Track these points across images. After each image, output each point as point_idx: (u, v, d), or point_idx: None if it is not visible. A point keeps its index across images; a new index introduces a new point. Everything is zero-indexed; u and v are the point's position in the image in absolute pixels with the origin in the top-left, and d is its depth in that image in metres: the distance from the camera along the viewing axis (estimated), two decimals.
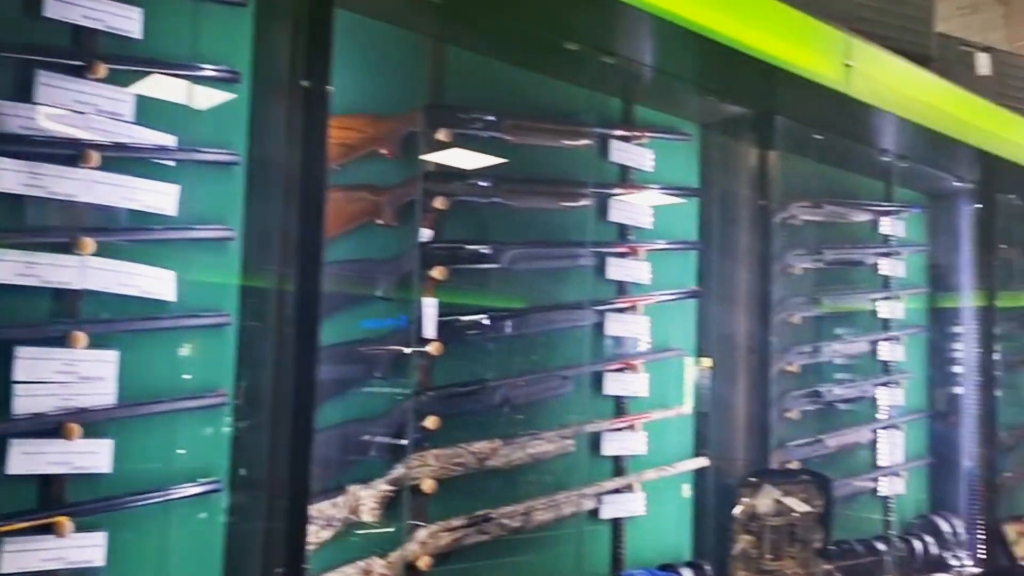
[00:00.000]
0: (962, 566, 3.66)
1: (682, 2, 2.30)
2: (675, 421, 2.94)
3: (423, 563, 2.19)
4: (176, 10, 1.95)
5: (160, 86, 1.93)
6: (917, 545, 3.58)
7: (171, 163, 1.93)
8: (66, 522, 1.72)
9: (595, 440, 2.71)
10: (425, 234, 2.27)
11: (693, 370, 3.01)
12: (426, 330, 2.23)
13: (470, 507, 2.35)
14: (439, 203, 2.29)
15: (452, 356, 2.32)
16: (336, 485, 2.11)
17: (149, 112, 1.89)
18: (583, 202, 2.67)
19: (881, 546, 3.40)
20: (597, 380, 2.73)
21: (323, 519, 2.03)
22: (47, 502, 1.73)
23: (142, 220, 1.87)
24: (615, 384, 2.75)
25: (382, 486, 2.13)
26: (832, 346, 3.54)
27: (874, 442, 3.64)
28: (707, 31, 2.39)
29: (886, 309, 3.74)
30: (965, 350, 3.98)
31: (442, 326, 2.27)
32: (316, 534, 2.02)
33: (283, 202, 1.98)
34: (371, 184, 2.22)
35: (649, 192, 2.87)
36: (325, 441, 2.08)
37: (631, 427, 2.78)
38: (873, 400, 3.68)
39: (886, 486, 3.64)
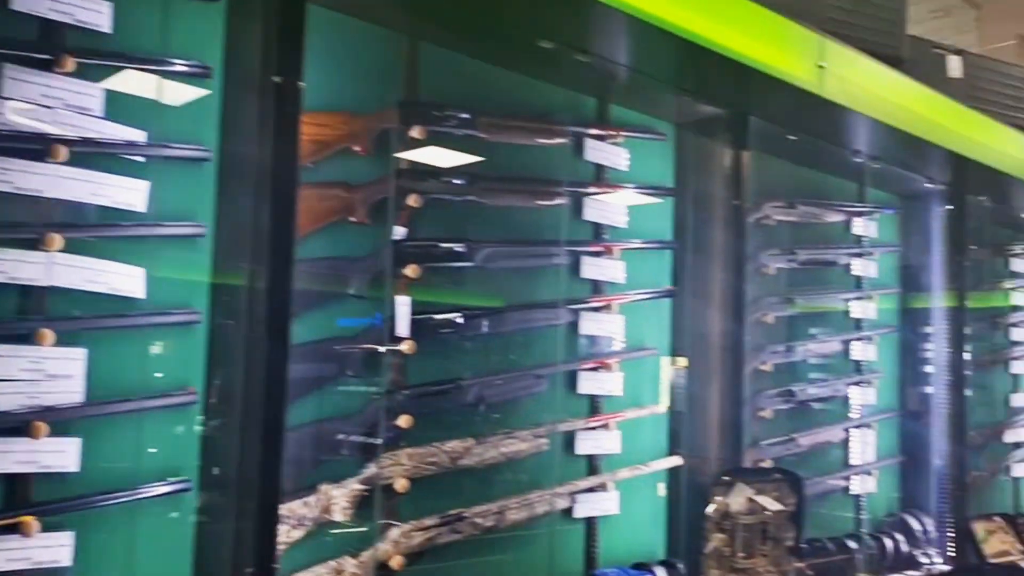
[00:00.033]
0: (932, 564, 3.69)
1: (657, 2, 2.31)
2: (649, 420, 2.95)
3: (395, 563, 2.18)
4: (146, 4, 1.93)
5: (130, 81, 1.91)
6: (888, 543, 3.61)
7: (141, 159, 1.90)
8: (33, 522, 1.70)
9: (569, 439, 2.70)
10: (398, 232, 2.26)
11: (668, 369, 3.01)
12: (399, 328, 2.22)
13: (443, 506, 2.34)
14: (413, 201, 2.28)
15: (425, 355, 2.31)
16: (308, 484, 2.09)
17: (118, 107, 1.86)
18: (558, 201, 2.67)
19: (852, 544, 3.42)
20: (571, 379, 2.73)
21: (294, 518, 2.02)
22: (13, 501, 1.71)
23: (111, 216, 1.85)
24: (589, 383, 2.75)
25: (354, 485, 2.12)
26: (805, 346, 3.56)
27: (846, 441, 3.67)
28: (682, 31, 2.39)
29: (858, 309, 3.77)
30: (936, 350, 4.01)
31: (415, 324, 2.26)
32: (287, 534, 2.00)
33: (254, 199, 1.96)
34: (344, 181, 2.20)
35: (624, 191, 2.87)
36: (297, 440, 2.06)
37: (605, 426, 2.78)
38: (845, 399, 3.70)
39: (858, 484, 3.67)
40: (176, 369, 1.95)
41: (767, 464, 3.24)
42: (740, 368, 3.05)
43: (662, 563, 2.84)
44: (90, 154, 1.82)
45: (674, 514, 2.99)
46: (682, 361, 3.04)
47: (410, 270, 2.26)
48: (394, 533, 2.20)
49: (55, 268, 1.76)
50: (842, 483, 3.65)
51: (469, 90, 2.49)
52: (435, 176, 2.38)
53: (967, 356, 4.02)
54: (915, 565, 3.66)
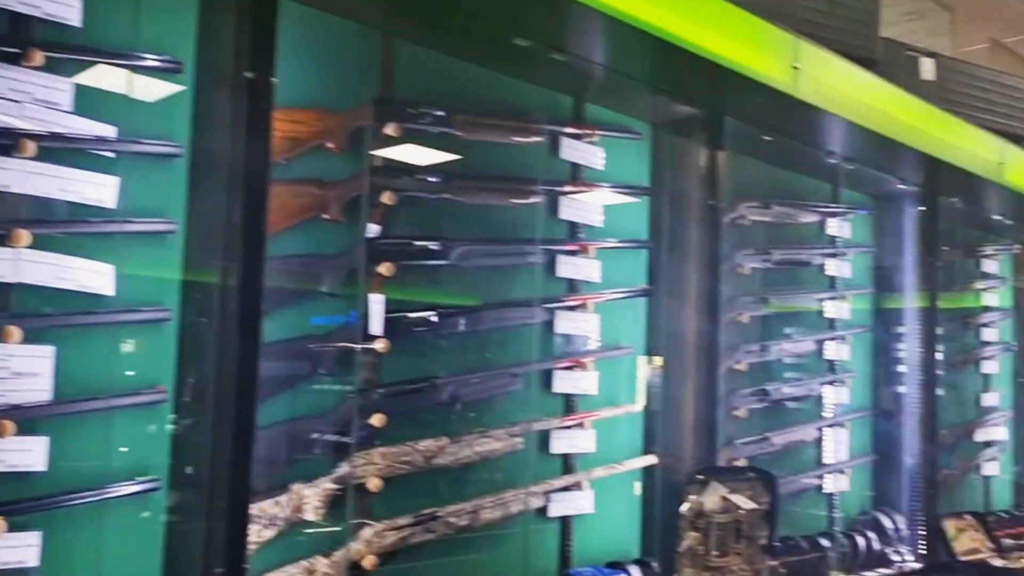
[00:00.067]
0: (903, 561, 3.73)
1: (633, 1, 2.31)
2: (625, 419, 2.95)
3: (368, 562, 2.17)
4: None
5: (100, 75, 1.88)
6: (860, 541, 3.64)
7: (111, 154, 1.88)
8: None
9: (544, 438, 2.70)
10: (372, 230, 2.24)
11: (646, 368, 3.02)
12: (373, 327, 2.20)
13: (417, 506, 2.33)
14: (387, 198, 2.27)
15: (399, 353, 2.30)
16: (280, 483, 2.08)
17: (88, 102, 1.84)
18: (533, 199, 2.67)
19: (825, 542, 3.44)
20: (547, 378, 2.73)
21: (266, 518, 2.00)
22: None
23: (80, 212, 1.83)
24: (564, 382, 2.75)
25: (327, 484, 2.11)
26: (780, 345, 3.58)
27: (820, 440, 3.69)
28: (657, 30, 2.40)
29: (832, 309, 3.79)
30: (908, 350, 4.05)
31: (389, 323, 2.25)
32: (258, 533, 1.99)
33: (226, 195, 1.94)
34: (318, 178, 2.19)
35: (600, 190, 2.87)
36: (268, 439, 2.05)
37: (580, 425, 2.78)
38: (819, 398, 3.73)
39: (831, 483, 3.70)
40: (146, 367, 1.93)
41: (741, 463, 3.26)
42: (715, 367, 3.06)
43: (636, 562, 2.84)
44: (59, 149, 1.80)
45: (649, 513, 3.00)
46: (658, 360, 3.05)
47: (384, 268, 2.24)
48: (367, 533, 2.18)
49: (22, 264, 1.74)
50: (815, 482, 3.67)
51: (445, 88, 2.48)
52: (410, 174, 2.36)
53: (939, 356, 4.05)
54: (887, 563, 3.69)
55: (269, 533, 2.02)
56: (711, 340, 3.05)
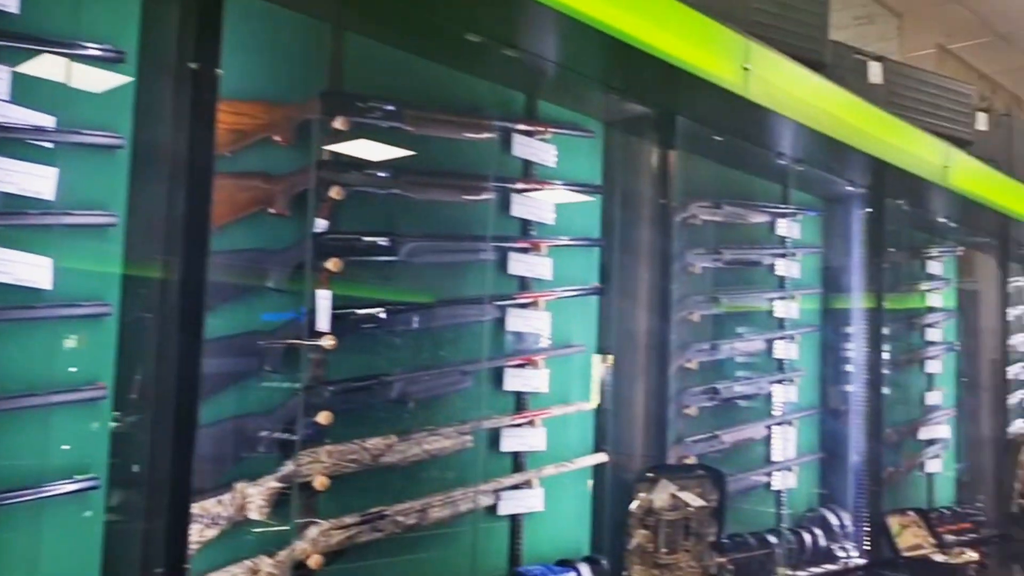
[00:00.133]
0: (848, 557, 3.78)
1: None
2: (576, 417, 2.96)
3: (314, 562, 2.14)
4: None
5: (39, 64, 1.83)
6: (807, 538, 3.68)
7: (49, 145, 1.83)
8: None
9: (494, 436, 2.69)
10: (320, 224, 2.21)
11: (599, 367, 3.02)
12: (319, 323, 2.18)
13: (365, 504, 2.30)
14: (335, 193, 2.24)
15: (347, 350, 2.27)
16: (223, 482, 2.04)
17: (26, 91, 1.79)
18: (484, 196, 2.66)
19: (773, 539, 3.48)
20: (497, 376, 2.72)
21: (208, 517, 1.97)
22: None
23: (17, 204, 1.78)
24: (515, 380, 2.74)
25: (271, 483, 2.08)
26: (730, 344, 3.61)
27: (768, 438, 3.73)
28: (610, 29, 2.40)
29: (782, 309, 3.84)
30: (856, 349, 4.11)
31: (336, 319, 2.22)
32: (200, 532, 1.95)
33: (169, 188, 1.91)
34: (264, 172, 2.15)
35: (552, 188, 2.87)
36: (212, 437, 2.01)
37: (531, 423, 2.77)
38: (768, 397, 3.77)
39: (779, 480, 3.74)
40: (86, 363, 1.89)
41: (691, 461, 3.28)
42: (666, 366, 3.08)
43: (586, 560, 2.84)
44: None
45: (599, 511, 3.00)
46: (609, 358, 3.06)
47: (332, 264, 2.21)
48: (312, 532, 2.15)
49: None
50: (764, 479, 3.71)
51: (395, 82, 2.46)
52: (359, 168, 2.33)
53: (885, 356, 4.12)
54: (833, 559, 3.74)
55: (212, 532, 1.98)
56: (662, 339, 3.07)
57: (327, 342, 2.19)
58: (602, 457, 2.98)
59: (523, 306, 2.77)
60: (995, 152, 4.53)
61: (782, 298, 3.84)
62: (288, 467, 2.12)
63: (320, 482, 2.16)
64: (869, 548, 3.88)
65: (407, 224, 2.45)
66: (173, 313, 1.87)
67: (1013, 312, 5.36)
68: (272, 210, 2.14)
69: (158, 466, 1.88)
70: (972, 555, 3.82)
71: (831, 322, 4.16)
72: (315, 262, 2.19)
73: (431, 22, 2.33)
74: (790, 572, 3.49)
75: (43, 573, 1.81)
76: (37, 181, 1.80)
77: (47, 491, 1.80)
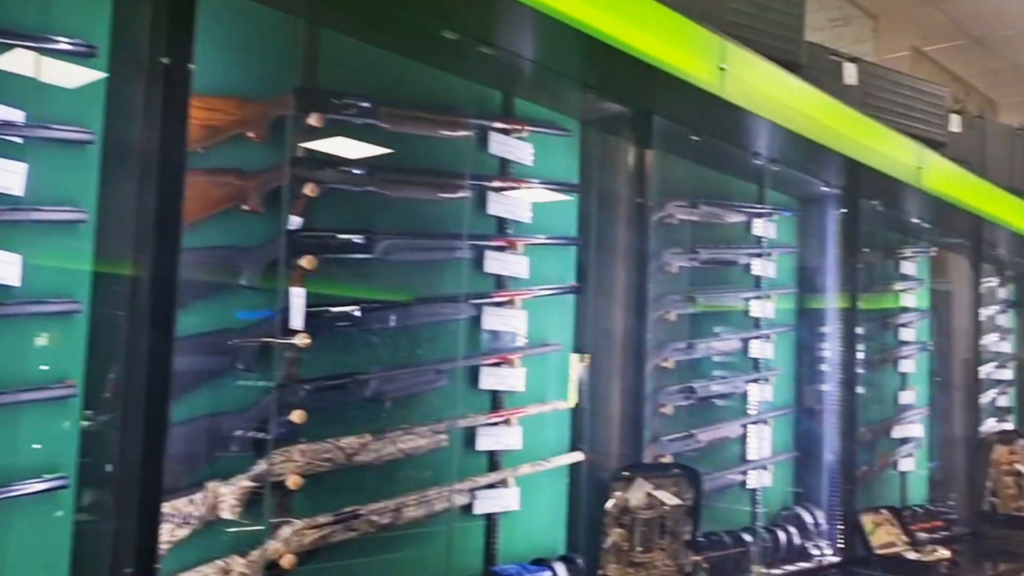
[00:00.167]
0: (823, 555, 3.81)
1: None
2: (552, 416, 2.95)
3: (286, 561, 2.12)
4: None
5: (9, 58, 1.81)
6: (781, 536, 3.70)
7: (19, 140, 1.81)
8: None
9: (470, 435, 2.68)
10: (294, 222, 2.20)
11: (577, 366, 3.02)
12: (293, 321, 2.16)
13: (339, 504, 2.29)
14: (309, 190, 2.22)
15: (321, 348, 2.25)
16: (195, 481, 2.02)
17: None
18: (461, 194, 2.65)
19: (748, 537, 3.50)
20: (473, 374, 2.71)
21: (179, 517, 1.95)
22: None
23: None
24: (491, 378, 2.74)
25: (244, 482, 2.06)
26: (706, 343, 3.62)
27: (744, 436, 3.75)
28: (587, 28, 2.39)
29: (757, 308, 3.85)
30: (830, 349, 4.13)
31: (311, 317, 2.20)
32: (171, 532, 1.93)
33: (140, 184, 1.88)
34: (237, 168, 2.14)
35: (528, 186, 2.86)
36: (183, 435, 1.99)
37: (507, 422, 2.77)
38: (744, 396, 3.78)
39: (754, 479, 3.76)
40: (55, 361, 1.86)
41: (667, 459, 3.28)
42: (642, 365, 3.08)
43: (562, 558, 2.84)
44: None
45: (575, 510, 3.00)
46: (586, 357, 3.06)
47: (306, 261, 2.20)
48: (285, 531, 2.14)
49: None
50: (739, 478, 3.72)
51: (371, 79, 2.44)
52: (333, 165, 2.32)
53: (859, 355, 4.15)
54: (807, 557, 3.76)
55: (183, 532, 1.96)
56: (639, 338, 3.07)
57: (301, 340, 2.18)
58: (578, 456, 2.98)
59: (499, 304, 2.76)
60: (968, 154, 4.58)
61: (758, 298, 3.85)
62: (261, 466, 2.10)
63: (293, 481, 2.15)
64: (843, 546, 3.91)
65: (382, 222, 2.44)
66: (144, 311, 1.85)
67: (985, 312, 5.42)
68: (245, 207, 2.13)
69: (129, 465, 1.86)
70: (944, 553, 3.86)
71: (806, 322, 4.19)
72: (289, 259, 2.18)
73: (407, 19, 2.32)
74: (765, 570, 3.50)
75: (11, 572, 1.79)
76: (6, 177, 1.78)
77: (15, 491, 1.77)
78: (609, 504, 2.79)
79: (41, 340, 1.87)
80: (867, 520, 3.91)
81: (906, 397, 4.83)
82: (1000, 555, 4.35)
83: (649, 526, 2.83)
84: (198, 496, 2.00)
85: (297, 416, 2.16)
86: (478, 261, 2.72)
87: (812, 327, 4.18)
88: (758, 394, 3.81)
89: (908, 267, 4.91)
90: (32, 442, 1.83)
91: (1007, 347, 5.87)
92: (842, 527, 3.93)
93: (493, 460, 2.75)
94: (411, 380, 2.46)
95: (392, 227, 2.46)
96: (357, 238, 2.33)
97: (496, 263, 2.75)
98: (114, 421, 1.88)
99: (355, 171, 2.36)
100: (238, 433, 2.11)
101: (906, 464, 4.79)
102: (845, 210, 4.14)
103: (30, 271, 1.81)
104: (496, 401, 2.77)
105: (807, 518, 3.84)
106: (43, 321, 1.86)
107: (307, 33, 2.32)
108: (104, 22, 1.94)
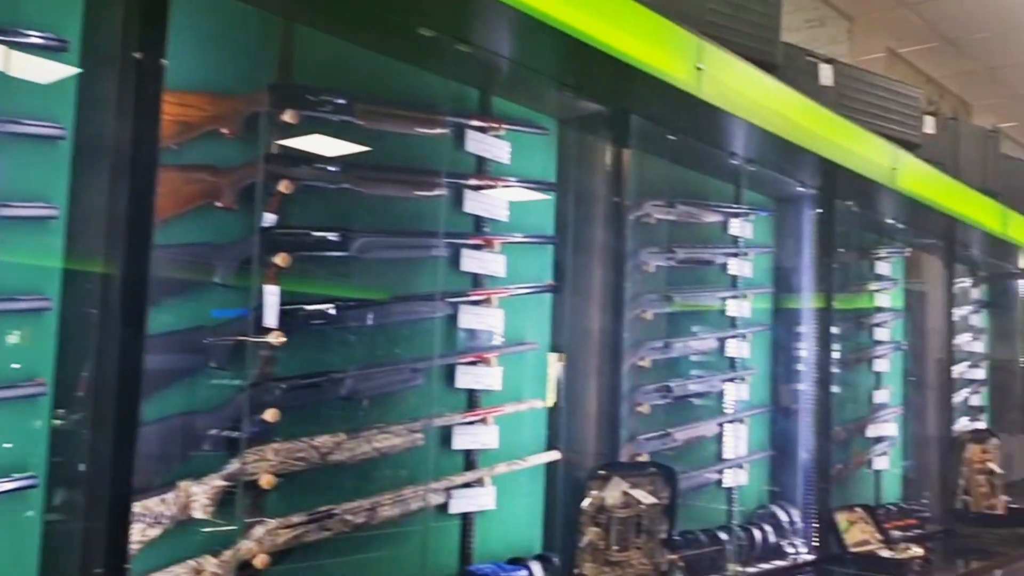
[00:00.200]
0: (798, 553, 3.83)
1: None
2: (528, 415, 2.95)
3: (259, 561, 2.11)
4: None
5: None
6: (757, 534, 3.72)
7: None
8: None
9: (446, 434, 2.68)
10: (268, 219, 2.18)
11: (556, 365, 3.02)
12: (267, 319, 2.14)
13: (314, 503, 2.27)
14: (284, 187, 2.20)
15: (295, 347, 2.24)
16: (166, 480, 2.00)
17: None
18: (437, 192, 2.64)
19: (723, 536, 3.51)
20: (449, 373, 2.70)
21: (151, 516, 1.93)
22: None
23: None
24: (467, 377, 2.73)
25: (216, 481, 2.04)
26: (683, 342, 3.63)
27: (720, 435, 3.76)
28: (563, 26, 2.39)
29: (734, 308, 3.87)
30: (806, 348, 4.16)
31: (285, 315, 2.19)
32: (143, 532, 1.91)
33: (112, 180, 1.86)
34: (211, 165, 2.12)
35: (506, 185, 2.86)
36: (155, 434, 1.97)
37: (483, 421, 2.76)
38: (720, 395, 3.80)
39: (730, 478, 3.77)
40: (25, 359, 1.84)
41: (643, 458, 3.29)
42: (619, 364, 3.08)
43: (538, 558, 2.84)
44: None
45: (551, 509, 3.00)
46: (562, 356, 3.05)
47: (280, 259, 2.18)
48: (258, 531, 2.12)
49: None
50: (715, 476, 3.73)
51: (347, 76, 2.43)
52: (308, 162, 2.30)
53: (834, 355, 4.18)
54: (782, 555, 3.78)
55: (154, 532, 1.94)
56: (615, 337, 3.07)
57: (275, 338, 2.16)
58: (554, 455, 2.98)
59: (476, 303, 2.76)
60: (942, 155, 4.62)
61: (734, 297, 3.87)
62: (234, 465, 2.08)
63: (267, 480, 2.13)
64: (817, 544, 3.93)
65: (358, 219, 2.43)
66: (115, 308, 1.83)
67: (958, 312, 5.48)
68: (219, 204, 2.11)
69: (99, 464, 1.84)
70: (917, 550, 3.89)
71: (782, 321, 4.21)
72: (263, 257, 2.16)
73: (383, 15, 2.30)
74: (740, 568, 3.52)
75: None
76: None
77: None
78: (585, 503, 2.79)
79: (10, 338, 1.84)
80: (842, 518, 3.94)
81: (880, 396, 4.87)
82: (972, 553, 4.40)
83: (625, 525, 2.83)
84: (170, 496, 1.98)
85: (271, 415, 2.14)
86: (455, 259, 2.71)
87: (788, 326, 4.20)
88: (734, 393, 3.83)
89: (883, 267, 4.95)
90: (1, 441, 1.80)
91: (980, 347, 5.94)
92: (817, 525, 3.95)
93: (469, 459, 2.75)
94: (387, 379, 2.45)
95: (368, 225, 2.44)
96: (332, 236, 2.32)
97: (473, 261, 2.74)
98: (85, 420, 1.85)
99: (330, 168, 2.35)
100: (211, 432, 2.08)
101: (880, 463, 4.82)
102: (821, 210, 4.16)
103: None
104: (472, 400, 2.76)
105: (782, 516, 3.86)
106: (12, 319, 1.83)
107: (282, 29, 2.30)
108: (76, 16, 1.91)
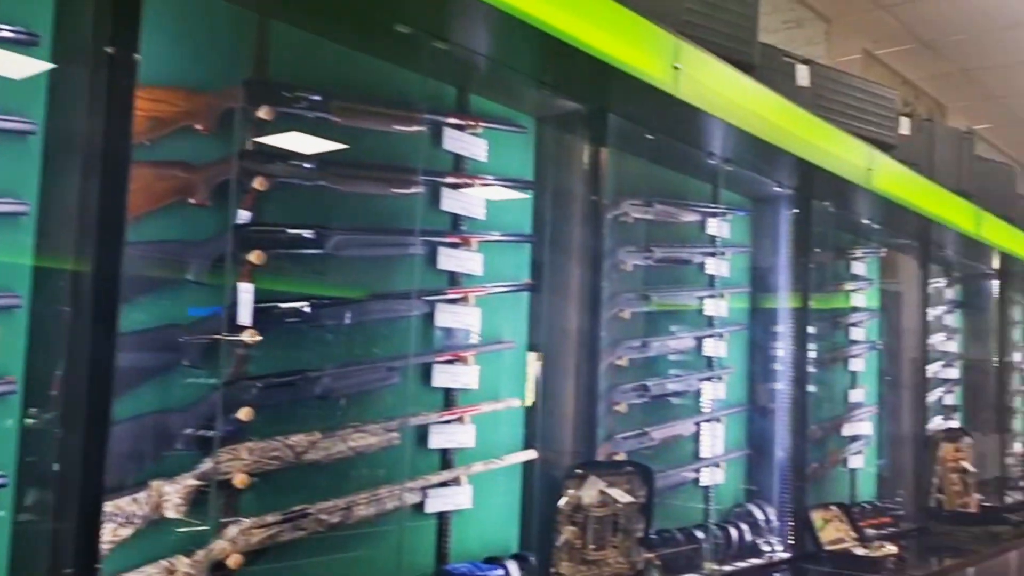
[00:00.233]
0: (773, 551, 3.84)
1: None
2: (505, 414, 2.94)
3: (233, 561, 2.09)
4: None
5: None
6: (733, 532, 3.73)
7: None
8: None
9: (422, 433, 2.67)
10: (243, 216, 2.16)
11: (534, 364, 3.02)
12: (241, 317, 2.12)
13: (289, 503, 2.26)
14: (258, 184, 2.19)
15: (270, 345, 2.22)
16: (138, 480, 1.98)
17: None
18: (414, 189, 2.63)
19: (700, 534, 3.52)
20: (426, 372, 2.69)
21: (123, 516, 1.91)
22: None
23: None
24: (444, 376, 2.72)
25: (189, 481, 2.02)
26: (660, 341, 3.64)
27: (697, 434, 3.77)
28: (541, 24, 2.39)
29: (711, 307, 3.88)
30: (783, 348, 4.18)
31: (259, 313, 2.17)
32: (114, 532, 1.89)
33: (83, 176, 1.84)
34: (184, 161, 2.10)
35: (483, 183, 2.85)
36: (127, 433, 1.95)
37: (460, 420, 2.75)
38: (697, 394, 3.81)
39: (707, 476, 3.78)
40: None
41: (620, 457, 3.29)
42: (596, 363, 3.08)
43: (514, 557, 2.84)
44: None
45: (528, 508, 3.00)
46: (540, 355, 3.05)
47: (254, 256, 2.16)
48: (232, 531, 2.10)
49: None
50: (692, 475, 3.75)
51: (323, 73, 2.41)
52: (283, 159, 2.28)
53: (810, 354, 4.20)
54: (758, 553, 3.80)
55: (126, 532, 1.92)
56: (593, 336, 3.07)
57: (249, 337, 2.15)
58: (531, 454, 2.98)
59: (453, 301, 2.75)
60: (917, 156, 4.65)
61: (712, 296, 3.88)
62: (207, 464, 2.07)
63: (240, 480, 2.11)
64: (793, 542, 3.96)
65: (334, 217, 2.41)
66: (86, 306, 1.80)
67: (933, 312, 5.52)
68: (193, 200, 2.09)
69: (70, 463, 1.81)
70: (891, 548, 3.92)
71: (759, 320, 4.22)
72: (237, 255, 2.14)
73: (359, 12, 2.29)
74: (717, 567, 3.53)
75: None
76: None
77: None
78: (562, 502, 2.79)
79: None
80: (817, 516, 3.96)
81: (856, 395, 4.90)
82: (946, 550, 4.43)
83: (602, 524, 2.83)
84: (142, 495, 1.96)
85: (245, 414, 2.13)
86: (432, 257, 2.70)
87: (765, 326, 4.22)
88: (711, 392, 3.84)
89: (858, 267, 4.99)
90: None
91: (954, 347, 6.00)
92: (792, 524, 3.97)
93: (446, 458, 2.74)
94: (363, 377, 2.43)
95: (344, 222, 2.43)
96: (307, 233, 2.30)
97: (450, 260, 2.74)
98: (57, 419, 1.83)
99: (306, 165, 2.33)
100: (184, 431, 2.06)
101: (855, 461, 4.86)
102: (797, 210, 4.18)
103: None
104: (449, 399, 2.76)
105: (759, 515, 3.88)
106: None
107: (258, 25, 2.28)
108: (47, 10, 1.89)
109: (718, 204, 3.86)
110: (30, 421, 1.84)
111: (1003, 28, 7.04)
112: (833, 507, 4.08)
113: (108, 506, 1.85)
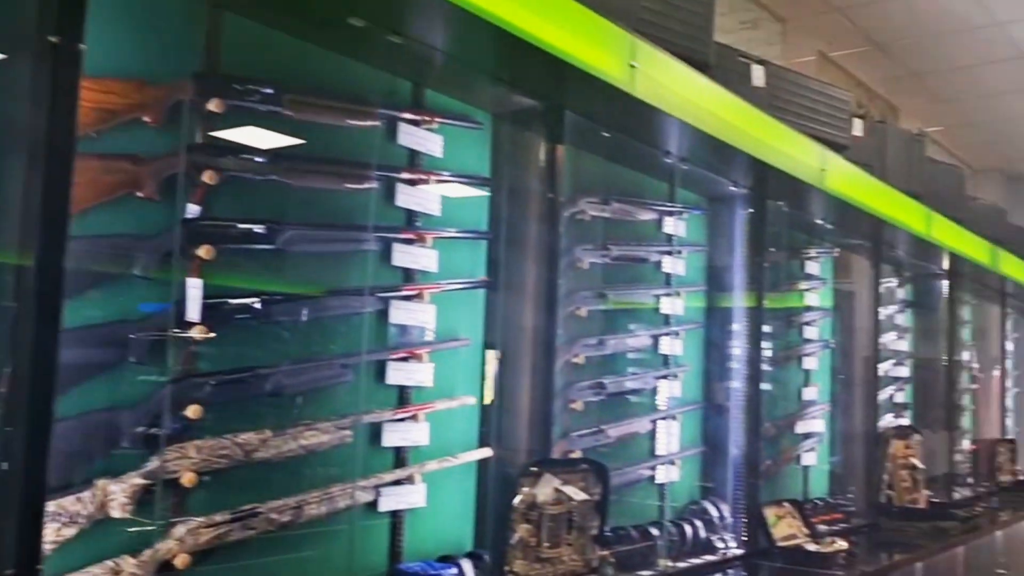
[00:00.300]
0: (727, 548, 3.88)
1: None
2: (460, 412, 2.93)
3: (180, 561, 2.05)
4: None
5: None
6: (688, 529, 3.75)
7: None
8: None
9: (376, 431, 2.65)
10: (191, 210, 2.13)
11: (493, 362, 3.00)
12: (190, 313, 2.09)
13: (239, 501, 2.22)
14: (208, 177, 2.15)
15: (220, 342, 2.18)
16: (82, 478, 1.94)
17: None
18: (368, 185, 2.60)
19: (655, 531, 3.54)
20: (380, 369, 2.67)
21: (66, 515, 1.86)
22: None
23: None
24: (398, 373, 2.70)
25: (135, 480, 1.98)
26: (617, 339, 3.65)
27: (653, 432, 3.79)
28: (496, 19, 2.37)
29: (668, 305, 3.90)
30: (738, 346, 4.21)
31: (209, 309, 2.14)
32: (57, 532, 1.85)
33: (26, 169, 1.79)
34: (132, 154, 2.05)
35: (438, 179, 2.83)
36: (71, 431, 1.91)
37: (414, 417, 2.74)
38: (653, 392, 3.83)
39: (663, 474, 3.81)
40: None
41: (576, 455, 3.30)
42: (552, 360, 3.08)
43: (468, 555, 2.83)
44: None
45: (482, 506, 2.99)
46: (496, 353, 3.04)
47: (204, 251, 2.12)
48: (180, 530, 2.07)
49: None
50: (648, 472, 3.77)
51: (276, 65, 2.38)
52: (234, 153, 2.25)
53: (765, 352, 4.24)
54: (712, 550, 3.82)
55: (69, 532, 1.88)
56: (549, 333, 3.06)
57: (198, 333, 2.11)
58: (486, 452, 2.97)
59: (407, 298, 2.73)
60: (869, 157, 4.72)
61: (668, 295, 3.90)
62: (154, 463, 2.03)
63: (188, 478, 2.07)
64: (746, 538, 3.99)
65: (287, 212, 2.38)
66: (28, 301, 1.75)
67: (884, 312, 5.61)
68: (140, 194, 2.04)
69: (12, 462, 1.77)
70: (842, 544, 3.97)
71: (715, 319, 4.25)
72: (186, 249, 2.10)
73: (313, 4, 2.26)
74: (671, 563, 3.55)
75: None
76: None
77: None
78: (517, 500, 2.78)
79: None
80: (770, 513, 4.00)
81: (809, 393, 4.96)
82: (895, 546, 4.51)
83: (556, 521, 2.83)
84: (86, 494, 1.91)
85: (192, 411, 2.09)
86: (386, 254, 2.68)
87: (720, 324, 4.25)
88: (667, 390, 3.86)
89: (812, 267, 5.05)
90: None
91: (904, 345, 6.11)
92: (746, 520, 4.01)
93: (399, 456, 2.72)
94: (315, 374, 2.41)
95: (296, 217, 2.40)
96: (258, 228, 2.27)
97: (404, 256, 2.72)
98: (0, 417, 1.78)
99: (257, 159, 2.29)
100: (131, 429, 2.02)
101: (808, 458, 4.92)
102: (752, 210, 4.22)
103: None
104: (403, 396, 2.74)
105: (713, 512, 3.91)
106: None
107: (209, 16, 2.24)
108: None
109: (674, 203, 3.89)
110: None
111: (953, 32, 7.18)
112: (786, 504, 4.13)
113: (51, 505, 1.81)
